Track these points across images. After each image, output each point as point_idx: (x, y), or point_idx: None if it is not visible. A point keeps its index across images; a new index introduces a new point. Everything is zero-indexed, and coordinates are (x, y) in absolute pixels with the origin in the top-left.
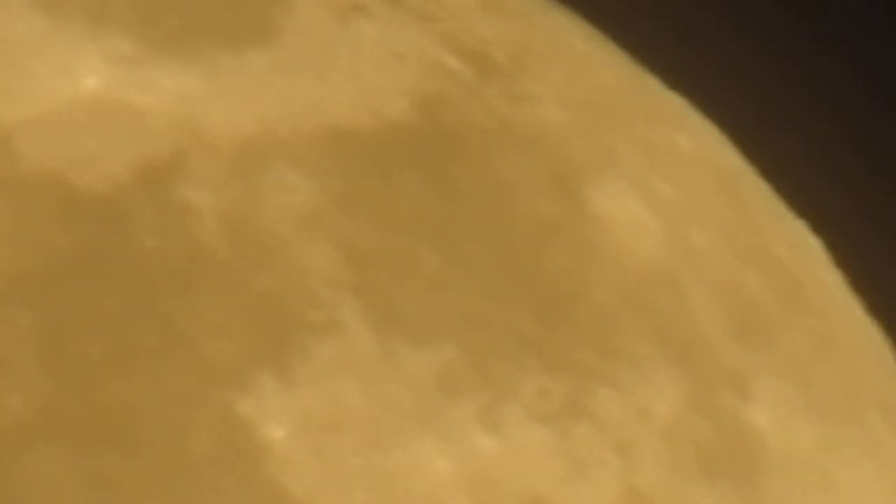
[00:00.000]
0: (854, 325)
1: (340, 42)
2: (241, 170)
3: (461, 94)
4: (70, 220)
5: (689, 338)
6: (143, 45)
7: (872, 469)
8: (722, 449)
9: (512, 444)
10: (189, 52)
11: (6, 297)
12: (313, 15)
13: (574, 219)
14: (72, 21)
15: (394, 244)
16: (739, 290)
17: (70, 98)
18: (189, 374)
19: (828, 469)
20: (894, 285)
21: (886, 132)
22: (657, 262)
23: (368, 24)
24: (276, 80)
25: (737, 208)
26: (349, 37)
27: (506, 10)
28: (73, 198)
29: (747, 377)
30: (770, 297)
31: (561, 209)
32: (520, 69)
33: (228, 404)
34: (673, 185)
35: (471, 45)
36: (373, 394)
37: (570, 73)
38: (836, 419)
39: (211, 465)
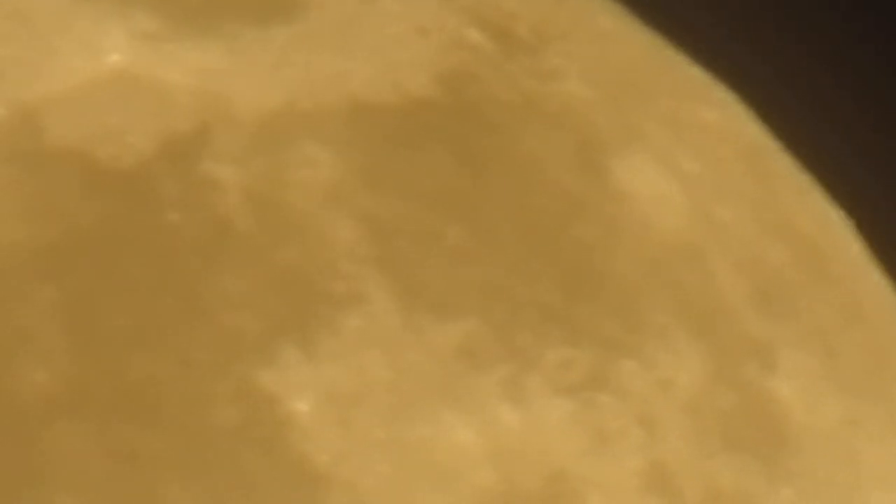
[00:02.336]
0: (879, 298)
1: (363, 16)
2: (264, 144)
3: (484, 68)
4: (94, 195)
5: (713, 310)
6: (167, 20)
7: None
8: (745, 421)
9: (535, 416)
10: (212, 28)
11: (31, 270)
12: None
13: (598, 193)
14: None
15: (417, 218)
16: (764, 262)
17: (94, 74)
18: (213, 348)
19: (851, 442)
20: None
21: None
22: (681, 235)
23: None
24: (300, 54)
25: (761, 182)
26: (372, 11)
27: None
28: (97, 172)
29: (771, 349)
30: (794, 269)
31: (585, 183)
32: (543, 44)
33: (252, 377)
34: (697, 160)
35: (494, 19)
36: (396, 366)
37: (594, 47)
38: (860, 392)
39: (234, 438)
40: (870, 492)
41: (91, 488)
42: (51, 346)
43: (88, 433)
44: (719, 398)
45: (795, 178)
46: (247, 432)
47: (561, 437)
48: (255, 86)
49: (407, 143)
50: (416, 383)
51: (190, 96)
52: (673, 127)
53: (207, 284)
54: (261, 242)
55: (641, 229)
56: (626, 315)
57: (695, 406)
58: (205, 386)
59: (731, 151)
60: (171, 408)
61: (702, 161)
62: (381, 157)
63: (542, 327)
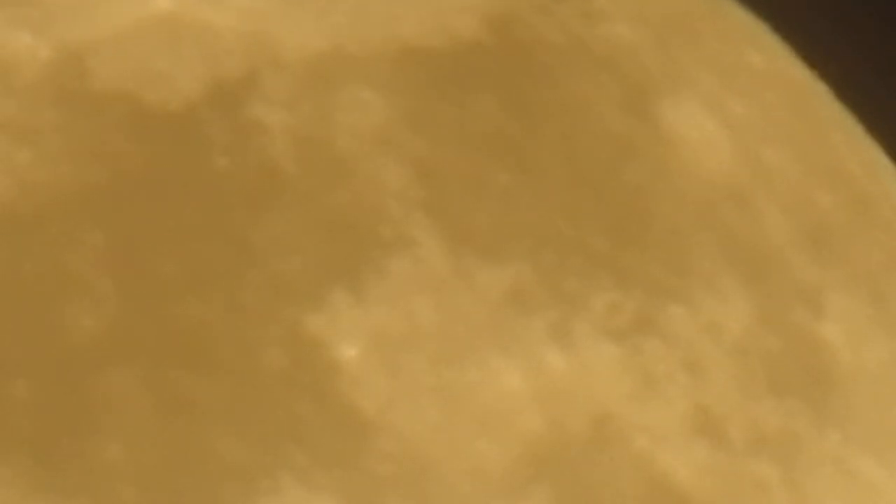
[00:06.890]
0: None
1: None
2: (312, 87)
3: (533, 10)
4: (142, 138)
5: (760, 254)
6: None
7: None
8: (792, 365)
9: (582, 360)
10: None
11: (78, 213)
12: None
13: (646, 136)
14: None
15: (465, 161)
16: (811, 206)
17: (142, 16)
18: (261, 292)
19: None
20: None
21: None
22: (729, 179)
23: None
24: None
25: (809, 126)
26: None
27: None
28: (144, 116)
29: (818, 293)
30: (842, 213)
31: (633, 127)
32: None
33: (301, 322)
34: (745, 103)
35: None
36: (445, 311)
37: None
38: None
39: (283, 383)
40: None
41: (140, 435)
42: (99, 292)
43: (137, 379)
44: (766, 342)
45: (843, 122)
46: (295, 378)
47: (608, 381)
48: (303, 28)
49: (455, 87)
50: (465, 328)
51: (237, 39)
52: (720, 70)
53: (256, 229)
54: (309, 187)
55: (689, 173)
56: (674, 259)
57: (742, 350)
58: (253, 331)
59: (778, 95)
60: (220, 353)
61: (749, 105)
62: (429, 100)
63: (589, 272)
